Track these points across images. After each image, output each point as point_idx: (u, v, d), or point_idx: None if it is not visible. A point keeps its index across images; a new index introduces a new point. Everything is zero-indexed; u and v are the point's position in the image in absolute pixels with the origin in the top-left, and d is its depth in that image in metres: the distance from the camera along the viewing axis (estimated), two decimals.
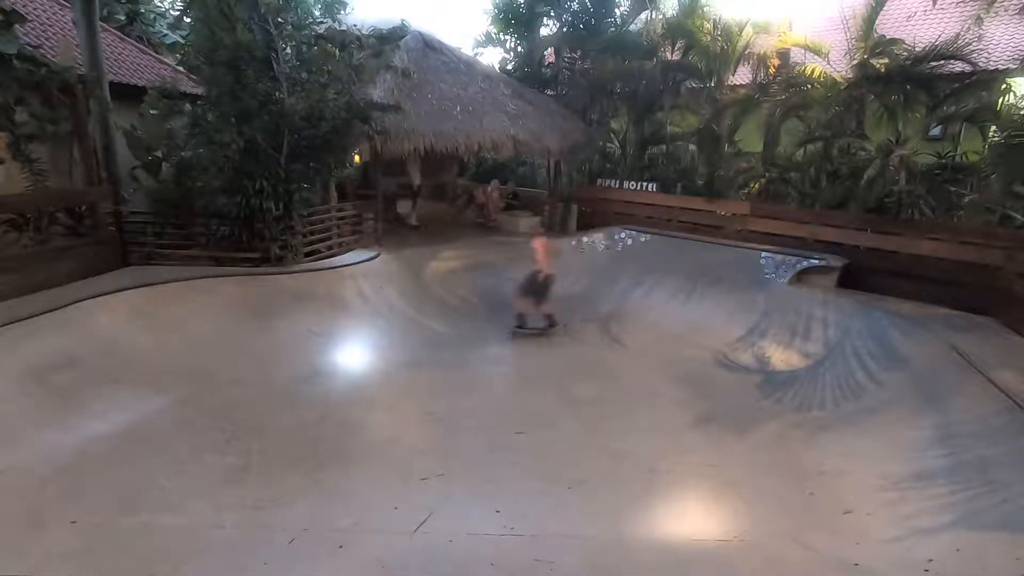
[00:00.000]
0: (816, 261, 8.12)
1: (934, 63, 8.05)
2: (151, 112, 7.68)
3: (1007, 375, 4.88)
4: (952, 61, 8.15)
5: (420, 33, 10.72)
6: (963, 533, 3.53)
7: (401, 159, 10.05)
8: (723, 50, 10.23)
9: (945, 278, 7.30)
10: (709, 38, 10.31)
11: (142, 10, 12.68)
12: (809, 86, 8.97)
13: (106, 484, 3.84)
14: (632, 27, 12.59)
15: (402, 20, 9.66)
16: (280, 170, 7.01)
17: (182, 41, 12.09)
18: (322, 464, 4.30)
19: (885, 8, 8.72)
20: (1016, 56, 10.37)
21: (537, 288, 7.14)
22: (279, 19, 7.04)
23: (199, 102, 7.39)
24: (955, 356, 5.41)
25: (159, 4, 13.54)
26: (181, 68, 10.13)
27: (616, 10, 12.90)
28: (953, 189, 7.84)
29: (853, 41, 8.64)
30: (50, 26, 8.75)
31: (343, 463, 4.33)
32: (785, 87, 9.25)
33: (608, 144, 12.80)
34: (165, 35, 12.87)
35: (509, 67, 14.17)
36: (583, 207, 11.89)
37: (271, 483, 4.01)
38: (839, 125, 8.73)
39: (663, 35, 11.40)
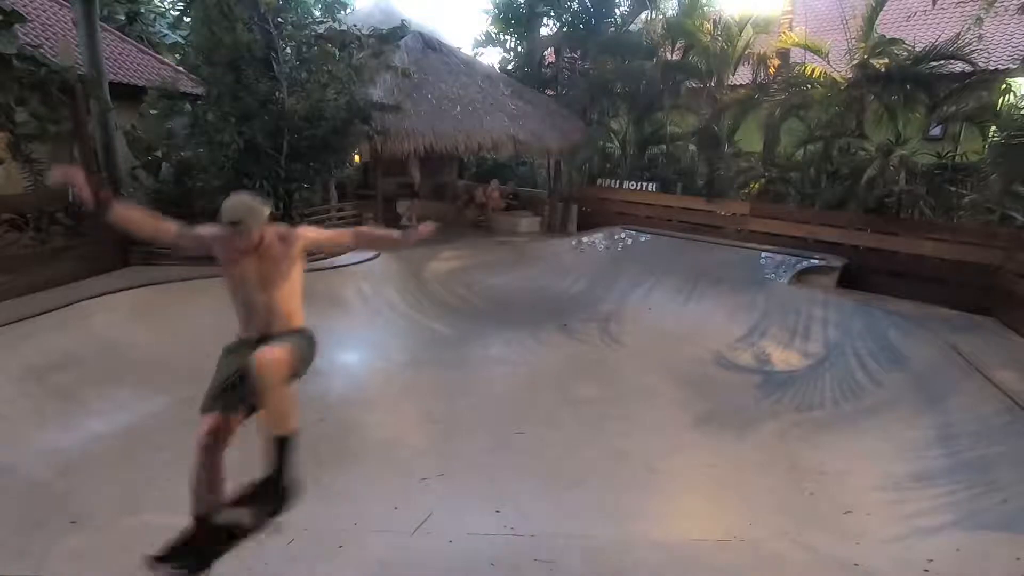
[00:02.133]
0: (816, 261, 8.12)
1: (934, 63, 8.04)
2: (151, 112, 7.68)
3: (1007, 375, 4.88)
4: (952, 61, 8.13)
5: (420, 33, 10.74)
6: (963, 533, 3.53)
7: (401, 159, 10.05)
8: (723, 50, 10.22)
9: (945, 278, 7.30)
10: (709, 38, 10.31)
11: (142, 10, 12.67)
12: (809, 86, 8.95)
13: (106, 484, 3.84)
14: (632, 27, 12.60)
15: (402, 20, 9.68)
16: (280, 170, 7.01)
17: (182, 41, 12.10)
18: (322, 464, 4.29)
19: (885, 8, 8.70)
20: (1016, 56, 10.37)
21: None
22: (279, 19, 7.04)
23: (199, 102, 7.39)
24: (955, 356, 5.41)
25: (159, 4, 13.53)
26: (181, 68, 10.14)
27: (616, 10, 12.91)
28: (953, 189, 7.83)
29: (853, 41, 8.64)
30: (50, 26, 8.75)
31: (343, 463, 4.33)
32: (785, 87, 9.24)
33: (608, 144, 12.79)
34: (165, 35, 12.86)
35: (509, 67, 14.17)
36: (583, 207, 11.89)
37: None
38: (839, 125, 8.72)
39: (663, 35, 11.40)
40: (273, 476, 2.47)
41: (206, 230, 2.62)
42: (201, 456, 2.55)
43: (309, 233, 2.77)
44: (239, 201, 2.51)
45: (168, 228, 2.62)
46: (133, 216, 2.58)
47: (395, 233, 2.98)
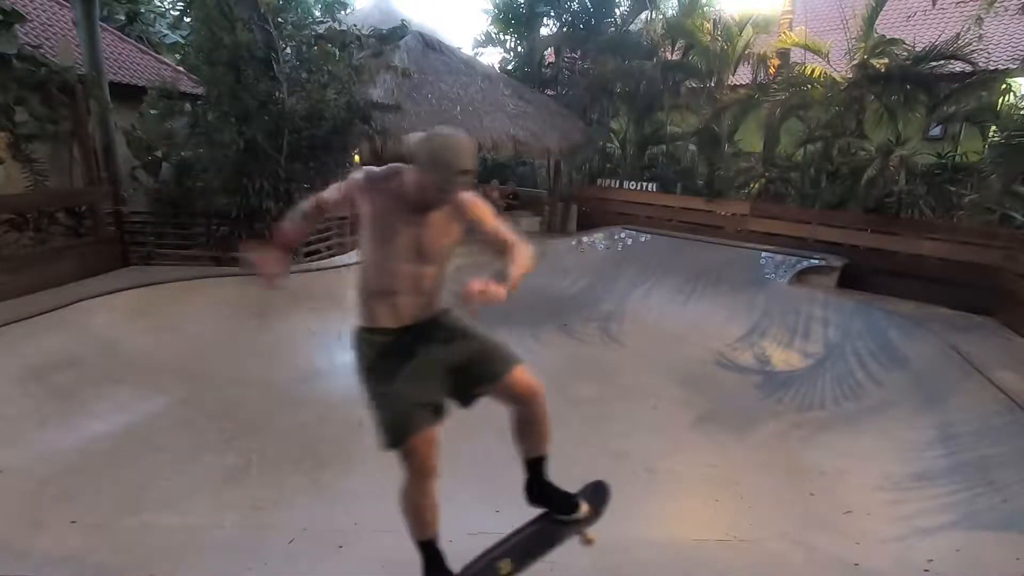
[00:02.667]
0: (816, 261, 8.11)
1: (934, 63, 8.04)
2: (151, 112, 7.69)
3: (1007, 375, 4.88)
4: (952, 61, 8.14)
5: (420, 33, 10.74)
6: (963, 533, 3.53)
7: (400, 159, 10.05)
8: (723, 50, 10.22)
9: (945, 278, 7.29)
10: (709, 38, 10.31)
11: (142, 10, 12.67)
12: (809, 86, 8.96)
13: (106, 484, 3.84)
14: (632, 27, 12.59)
15: (402, 20, 9.69)
16: (280, 170, 7.01)
17: (182, 41, 12.10)
18: (322, 464, 4.30)
19: (885, 8, 8.70)
20: (1016, 56, 10.37)
21: None
22: (279, 19, 7.04)
23: (199, 102, 7.40)
24: (955, 356, 5.41)
25: (159, 4, 13.53)
26: (181, 68, 10.14)
27: (616, 10, 12.90)
28: (953, 189, 7.83)
29: (853, 41, 8.64)
30: (50, 26, 8.76)
31: (343, 463, 4.33)
32: (785, 87, 9.24)
33: (608, 144, 12.79)
34: (165, 35, 12.87)
35: (509, 67, 14.17)
36: (583, 207, 11.89)
37: (271, 483, 4.01)
38: (839, 125, 8.72)
39: (663, 35, 11.39)
40: (554, 493, 2.43)
41: (368, 175, 2.13)
42: (426, 479, 2.18)
43: (484, 212, 2.12)
44: (469, 145, 1.94)
45: (328, 199, 2.29)
46: (306, 220, 2.43)
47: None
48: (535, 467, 2.39)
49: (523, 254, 2.07)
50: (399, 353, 2.13)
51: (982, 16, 7.96)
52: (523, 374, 2.22)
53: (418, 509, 2.26)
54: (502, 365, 2.20)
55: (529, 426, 2.30)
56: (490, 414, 5.31)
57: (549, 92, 13.32)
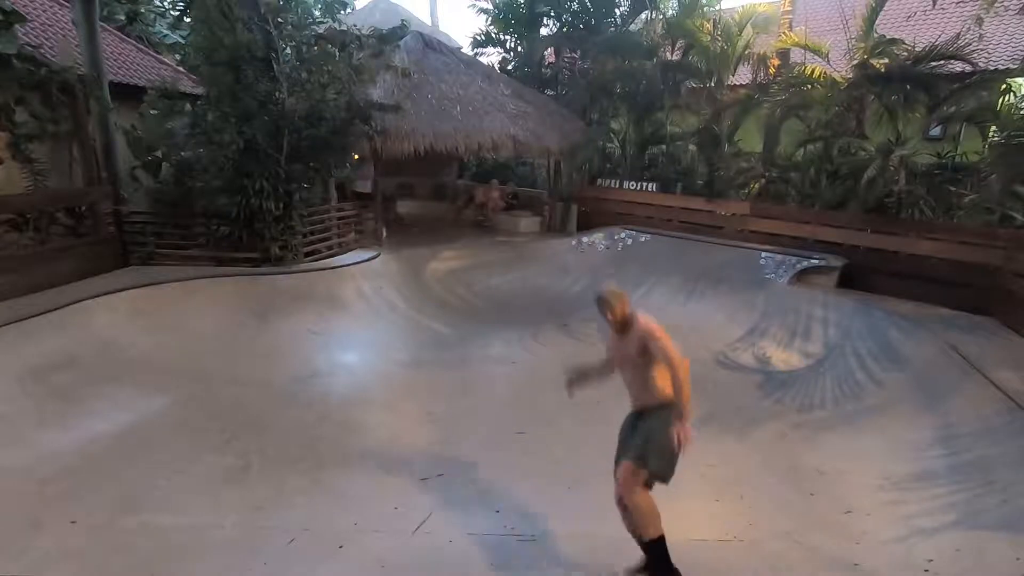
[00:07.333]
0: (816, 261, 8.11)
1: (934, 63, 8.04)
2: (151, 112, 7.69)
3: (1007, 375, 4.88)
4: (952, 61, 8.13)
5: (420, 33, 10.74)
6: (963, 533, 3.53)
7: (399, 159, 10.06)
8: (723, 50, 10.22)
9: (945, 278, 7.29)
10: (709, 38, 10.31)
11: (142, 10, 12.67)
12: (809, 86, 8.95)
13: (106, 484, 3.84)
14: (632, 27, 12.59)
15: (402, 20, 9.69)
16: (280, 170, 7.01)
17: (182, 41, 12.10)
18: (322, 464, 4.30)
19: (885, 8, 8.71)
20: (1016, 56, 10.37)
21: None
22: (279, 19, 7.04)
23: (199, 102, 7.40)
24: (955, 356, 5.41)
25: (159, 4, 13.53)
26: (181, 68, 10.14)
27: (616, 10, 12.90)
28: (953, 189, 7.83)
29: (853, 41, 8.64)
30: (50, 26, 8.75)
31: (343, 463, 4.33)
32: (785, 87, 9.24)
33: (608, 144, 12.78)
34: (165, 35, 12.88)
35: (509, 67, 14.17)
36: (583, 207, 11.89)
37: (271, 483, 4.01)
38: (839, 125, 8.72)
39: (663, 35, 11.40)
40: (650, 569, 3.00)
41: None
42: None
43: (658, 336, 3.13)
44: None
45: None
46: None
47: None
48: (643, 550, 2.98)
49: (684, 382, 3.10)
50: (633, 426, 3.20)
51: (982, 16, 7.96)
52: (623, 471, 2.98)
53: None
54: (621, 456, 3.07)
55: (623, 510, 3.00)
56: (486, 418, 5.32)
57: (549, 92, 13.32)
